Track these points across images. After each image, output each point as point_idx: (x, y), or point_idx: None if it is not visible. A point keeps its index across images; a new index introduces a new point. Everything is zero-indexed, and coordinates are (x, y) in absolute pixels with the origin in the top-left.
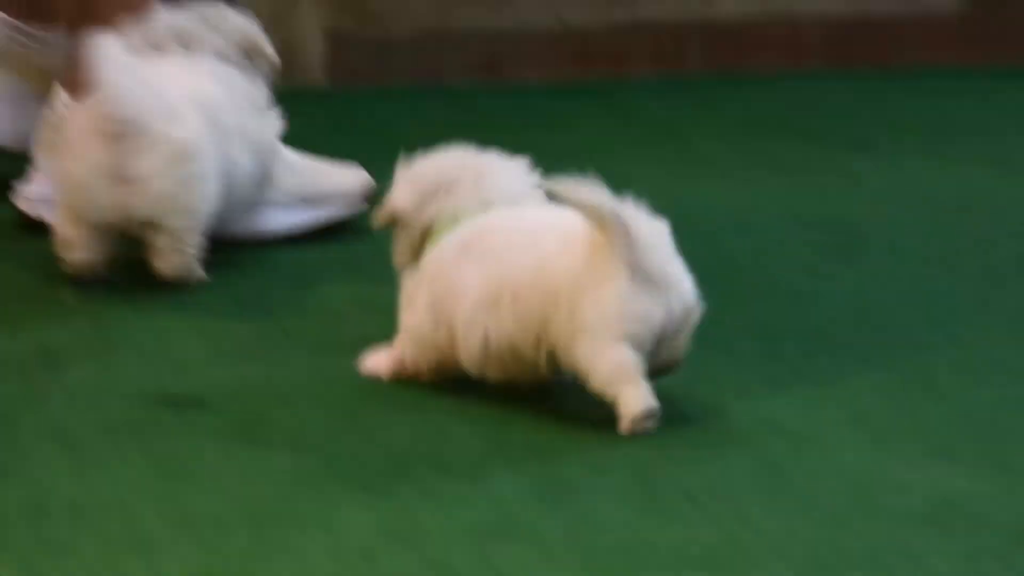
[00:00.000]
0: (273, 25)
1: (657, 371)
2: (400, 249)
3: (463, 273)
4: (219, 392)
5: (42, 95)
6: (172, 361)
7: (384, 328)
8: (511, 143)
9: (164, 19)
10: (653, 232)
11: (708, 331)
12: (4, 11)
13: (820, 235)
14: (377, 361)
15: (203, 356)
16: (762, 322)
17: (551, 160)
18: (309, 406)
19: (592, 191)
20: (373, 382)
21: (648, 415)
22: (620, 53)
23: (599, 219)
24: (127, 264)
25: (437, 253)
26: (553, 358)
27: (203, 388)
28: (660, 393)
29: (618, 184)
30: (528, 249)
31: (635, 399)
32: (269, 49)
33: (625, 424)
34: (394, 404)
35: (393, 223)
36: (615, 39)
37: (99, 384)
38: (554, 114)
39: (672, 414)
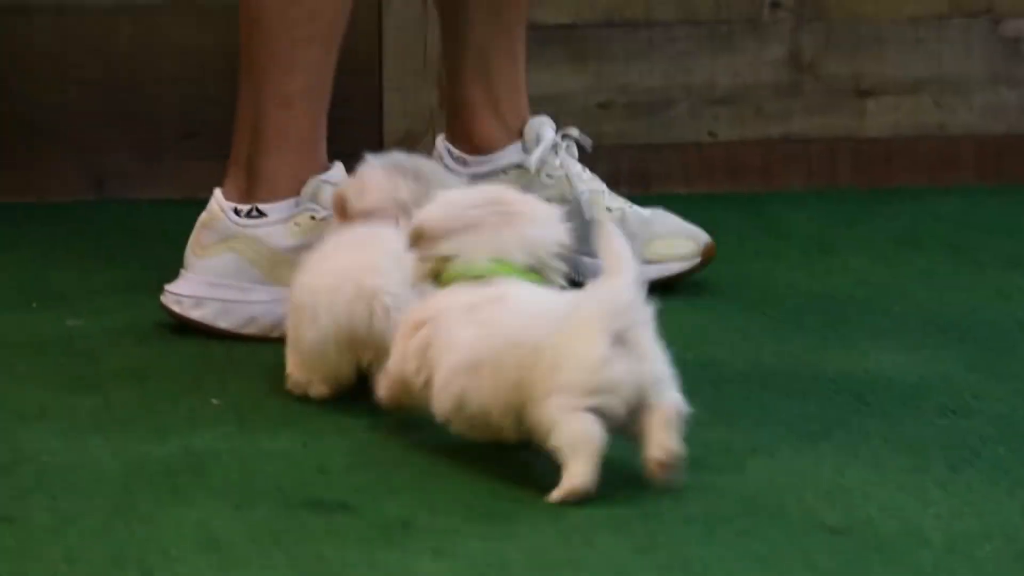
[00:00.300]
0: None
1: (652, 468)
2: (415, 265)
3: (460, 331)
4: (365, 497)
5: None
6: (318, 465)
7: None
8: None
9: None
10: (645, 309)
11: (854, 444)
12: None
13: (970, 350)
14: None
15: (349, 461)
16: (909, 435)
17: (699, 271)
18: (455, 511)
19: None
20: (521, 488)
21: (583, 494)
22: (771, 167)
23: (613, 264)
24: (273, 371)
25: (444, 303)
26: (519, 420)
27: (348, 493)
28: (804, 506)
29: (763, 292)
30: (520, 319)
31: (580, 475)
32: None
33: (557, 495)
34: (541, 509)
35: (418, 240)
36: (766, 153)
37: (244, 487)
38: (702, 225)
39: (817, 523)
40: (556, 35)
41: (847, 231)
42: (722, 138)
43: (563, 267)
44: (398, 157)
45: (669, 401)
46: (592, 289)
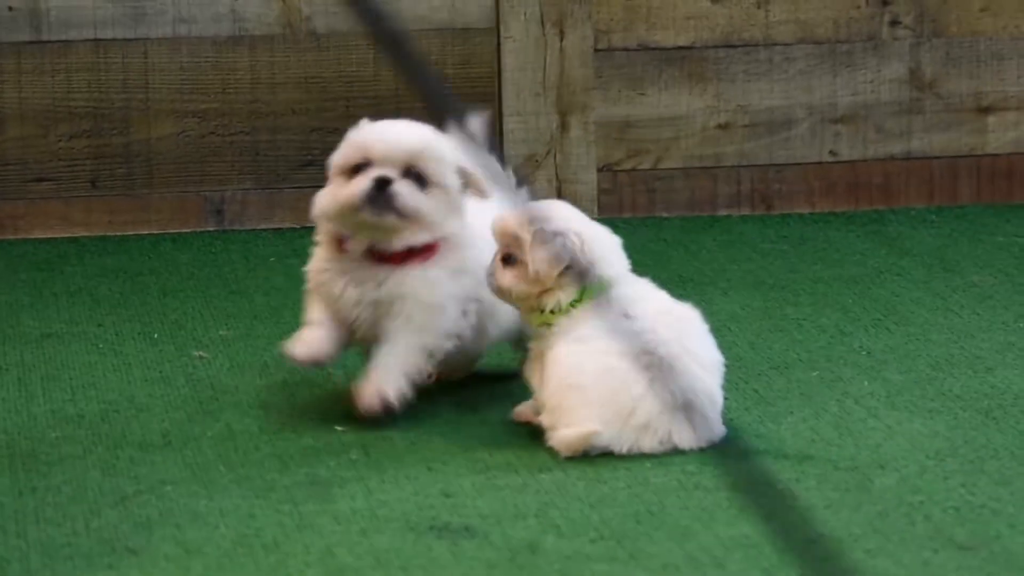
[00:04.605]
0: (534, 164)
1: None
2: None
3: None
4: (489, 520)
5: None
6: (443, 490)
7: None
8: (780, 272)
9: None
10: None
11: (981, 460)
12: None
13: None
14: None
15: (474, 485)
16: None
17: (823, 290)
18: (582, 534)
19: None
20: (649, 511)
21: None
22: (892, 185)
23: None
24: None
25: None
26: None
27: (473, 516)
28: (932, 523)
29: (887, 309)
30: None
31: None
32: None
33: None
34: (669, 531)
35: None
36: (887, 172)
37: (368, 513)
38: (826, 245)
39: (946, 540)
40: (675, 56)
41: (969, 248)
42: (843, 157)
43: None
44: None
45: None
46: None
